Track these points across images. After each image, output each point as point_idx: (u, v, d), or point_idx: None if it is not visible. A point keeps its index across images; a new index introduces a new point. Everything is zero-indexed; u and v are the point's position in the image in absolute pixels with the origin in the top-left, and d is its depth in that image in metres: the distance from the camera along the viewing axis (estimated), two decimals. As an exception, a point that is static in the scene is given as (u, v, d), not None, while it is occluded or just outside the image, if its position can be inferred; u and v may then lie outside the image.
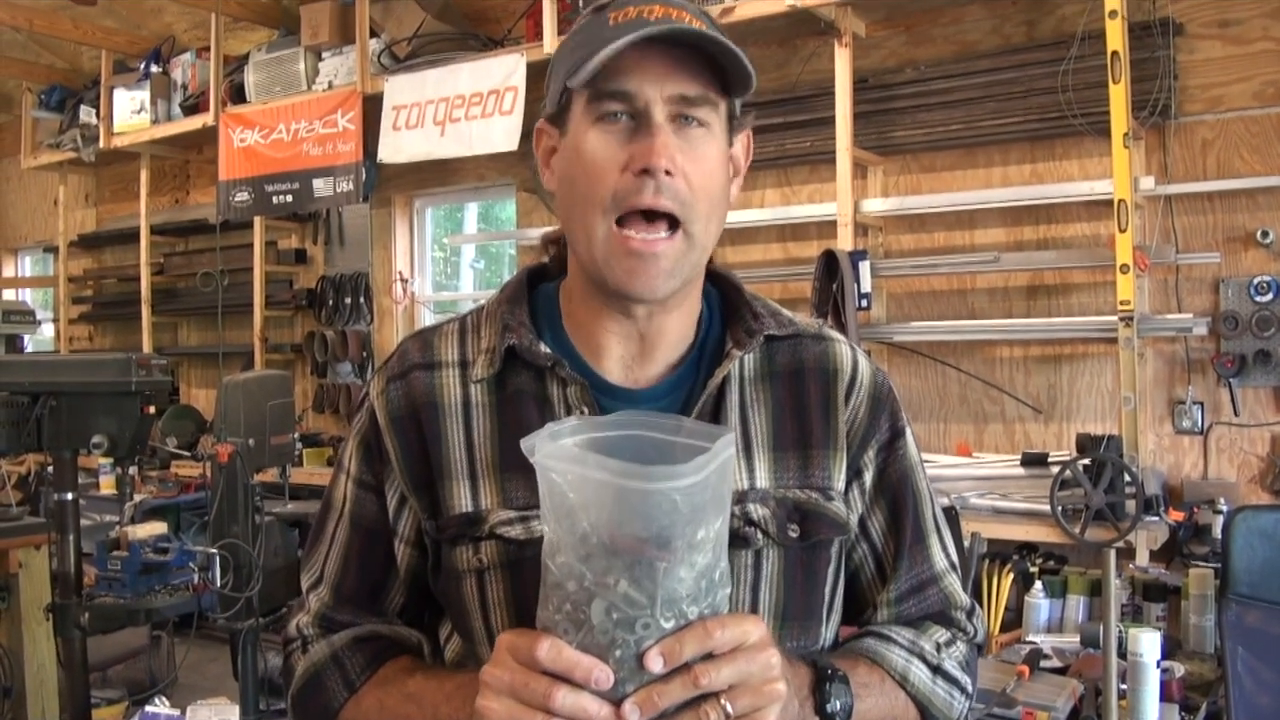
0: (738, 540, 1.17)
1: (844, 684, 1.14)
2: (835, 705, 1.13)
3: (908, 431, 1.35)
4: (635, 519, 0.94)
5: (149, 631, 5.21)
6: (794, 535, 1.23)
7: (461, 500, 1.23)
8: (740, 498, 1.20)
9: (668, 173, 1.13)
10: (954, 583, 1.36)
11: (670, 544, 0.95)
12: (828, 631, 1.30)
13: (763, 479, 1.24)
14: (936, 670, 1.28)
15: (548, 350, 1.24)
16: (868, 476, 1.31)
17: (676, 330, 1.26)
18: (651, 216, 1.15)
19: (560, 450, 0.97)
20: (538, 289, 1.34)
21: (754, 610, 1.21)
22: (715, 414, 1.24)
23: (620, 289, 1.17)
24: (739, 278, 1.35)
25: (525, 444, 0.98)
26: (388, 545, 1.29)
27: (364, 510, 1.30)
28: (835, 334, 1.34)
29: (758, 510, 1.21)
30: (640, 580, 0.95)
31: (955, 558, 1.38)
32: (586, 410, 1.21)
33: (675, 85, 1.14)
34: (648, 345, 1.25)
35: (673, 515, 0.94)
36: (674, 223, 1.15)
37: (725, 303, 1.33)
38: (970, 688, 1.32)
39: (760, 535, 1.21)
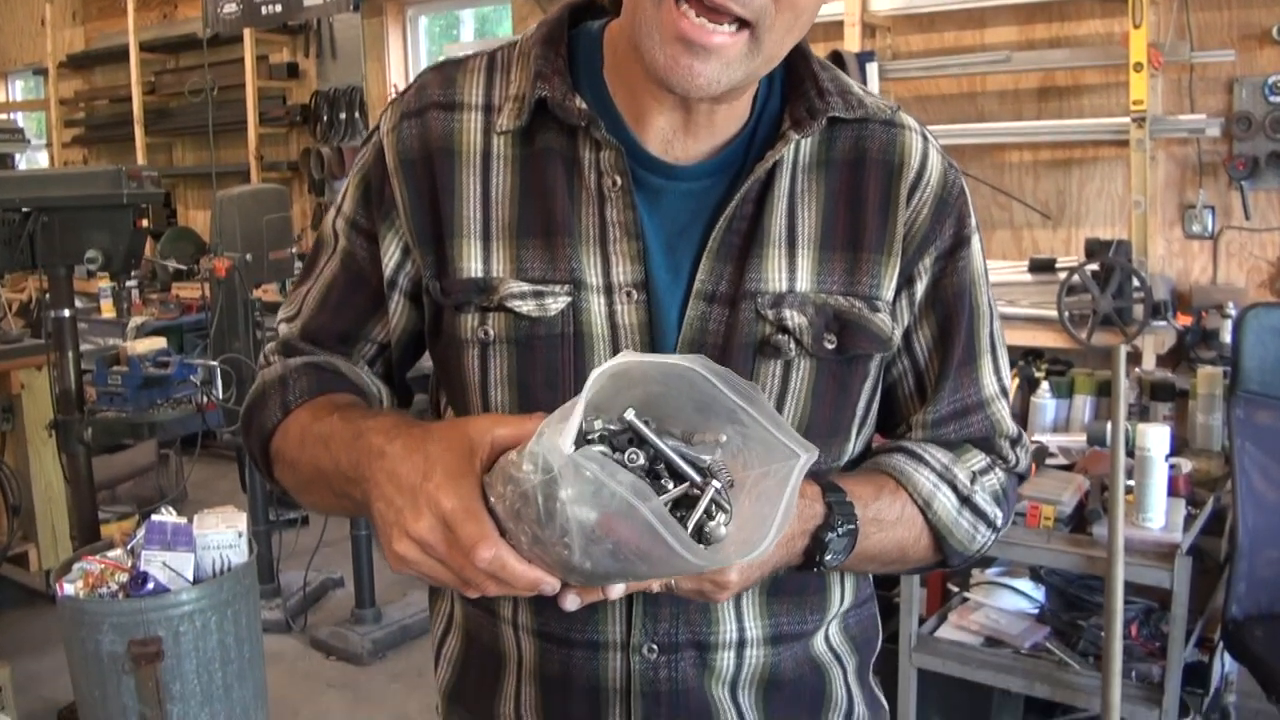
0: (768, 349, 1.08)
1: (849, 537, 1.06)
2: (827, 557, 1.05)
3: (974, 240, 1.18)
4: (664, 567, 0.83)
5: (156, 449, 5.28)
6: (830, 346, 1.10)
7: (471, 263, 1.11)
8: (776, 301, 1.08)
9: None
10: (1002, 409, 1.22)
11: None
12: (856, 446, 1.19)
13: (803, 281, 1.10)
14: (965, 501, 1.16)
15: (583, 107, 1.07)
16: (920, 286, 1.16)
17: (729, 111, 1.10)
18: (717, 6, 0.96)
19: (622, 477, 0.78)
20: (580, 28, 1.16)
21: None
22: (760, 201, 1.10)
23: (655, 73, 0.99)
24: (807, 42, 1.13)
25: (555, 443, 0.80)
26: (370, 294, 1.19)
27: (354, 250, 1.20)
28: (910, 121, 1.16)
29: (794, 317, 1.09)
30: (627, 569, 0.84)
31: (1007, 382, 1.24)
32: (619, 180, 1.08)
33: None
34: (693, 124, 1.09)
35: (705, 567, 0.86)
36: (744, 20, 0.96)
37: (789, 72, 1.14)
38: (1000, 520, 1.20)
39: (793, 345, 1.09)
